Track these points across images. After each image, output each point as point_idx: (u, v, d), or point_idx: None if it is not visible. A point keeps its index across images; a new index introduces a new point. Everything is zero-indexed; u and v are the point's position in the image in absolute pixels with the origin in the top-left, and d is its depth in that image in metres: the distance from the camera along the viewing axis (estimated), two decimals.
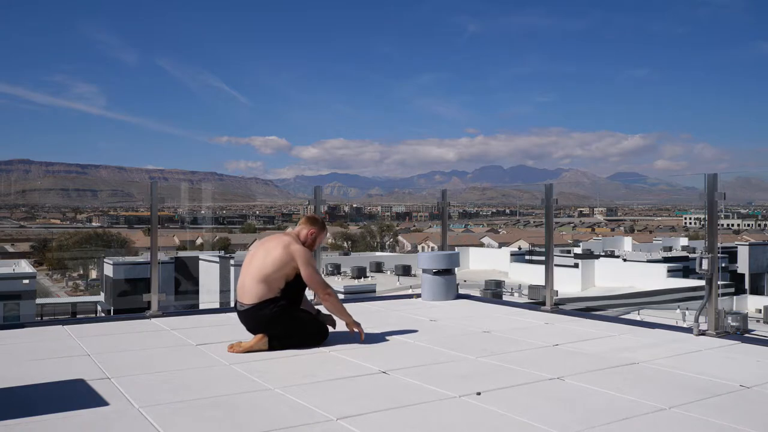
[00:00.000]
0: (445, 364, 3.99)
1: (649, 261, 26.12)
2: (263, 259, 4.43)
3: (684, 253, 29.59)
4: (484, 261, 30.56)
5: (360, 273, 23.48)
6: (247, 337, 4.40)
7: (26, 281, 24.52)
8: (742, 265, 27.67)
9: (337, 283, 20.51)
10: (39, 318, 24.48)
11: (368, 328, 4.85)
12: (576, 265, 24.50)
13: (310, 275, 4.46)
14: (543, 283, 6.35)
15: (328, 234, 5.05)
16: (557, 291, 6.29)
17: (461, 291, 7.41)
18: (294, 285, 4.48)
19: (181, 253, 34.74)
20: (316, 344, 4.50)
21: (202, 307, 24.55)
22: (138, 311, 5.78)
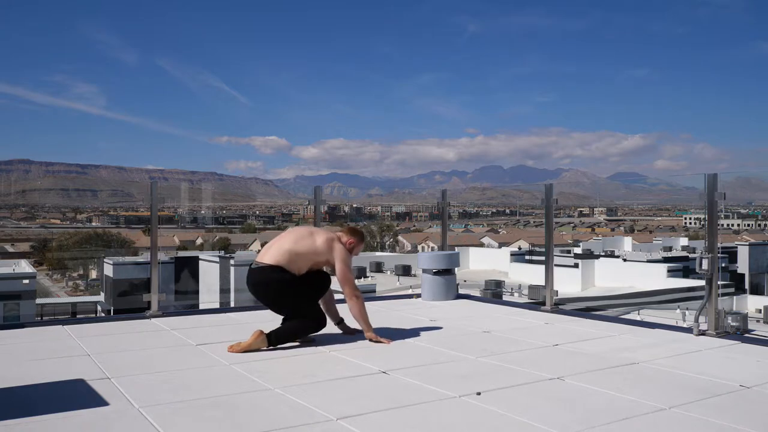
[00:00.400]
0: (445, 364, 3.99)
1: (649, 261, 26.11)
2: (303, 238, 4.48)
3: (684, 253, 29.57)
4: (484, 261, 30.55)
5: (360, 273, 23.49)
6: (248, 337, 4.40)
7: (26, 281, 24.52)
8: (742, 265, 27.65)
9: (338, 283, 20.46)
10: (39, 318, 24.48)
11: None
12: (576, 265, 24.50)
13: (344, 273, 4.51)
14: (543, 283, 6.35)
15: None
16: (557, 291, 6.29)
17: (461, 291, 7.41)
18: (314, 278, 4.51)
19: (181, 253, 34.76)
20: (314, 330, 4.48)
21: (202, 307, 24.56)
22: (138, 311, 5.78)
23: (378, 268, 25.96)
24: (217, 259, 28.61)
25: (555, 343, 4.59)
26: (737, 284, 24.66)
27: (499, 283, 19.65)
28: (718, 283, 4.92)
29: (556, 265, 6.85)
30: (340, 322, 4.89)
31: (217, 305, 24.72)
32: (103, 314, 27.45)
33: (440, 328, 5.28)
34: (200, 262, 30.17)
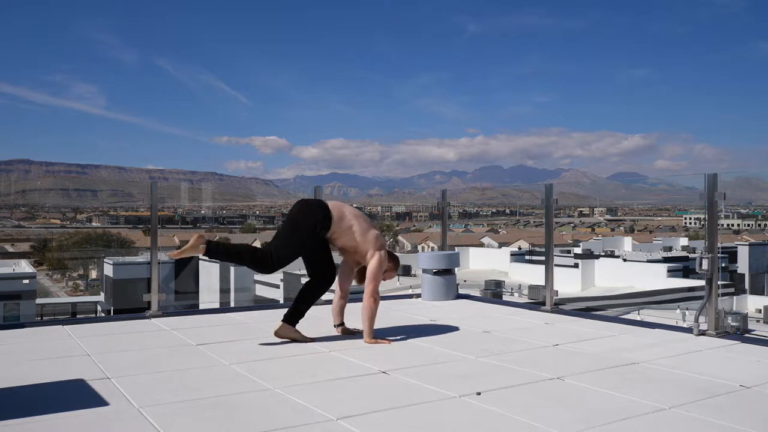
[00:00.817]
0: (445, 364, 3.99)
1: (649, 261, 26.09)
2: (361, 223, 4.54)
3: (684, 253, 29.55)
4: (484, 261, 30.52)
5: None
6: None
7: (26, 281, 24.50)
8: (742, 265, 27.64)
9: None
10: (39, 318, 24.45)
11: None
12: (576, 265, 24.48)
13: (376, 273, 4.51)
14: (543, 283, 6.35)
15: None
16: (557, 291, 6.29)
17: (461, 291, 7.41)
18: (325, 263, 4.62)
19: None
20: (252, 262, 4.37)
21: (202, 307, 24.56)
22: (138, 311, 5.78)
23: None
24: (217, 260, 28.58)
25: (555, 343, 4.59)
26: (737, 284, 24.64)
27: (499, 283, 19.62)
28: (718, 283, 4.92)
29: (556, 265, 6.85)
30: (341, 324, 4.89)
31: (217, 305, 24.73)
32: (103, 314, 27.45)
33: (440, 328, 5.28)
34: (200, 262, 30.17)
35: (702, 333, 4.86)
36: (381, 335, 4.75)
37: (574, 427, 2.80)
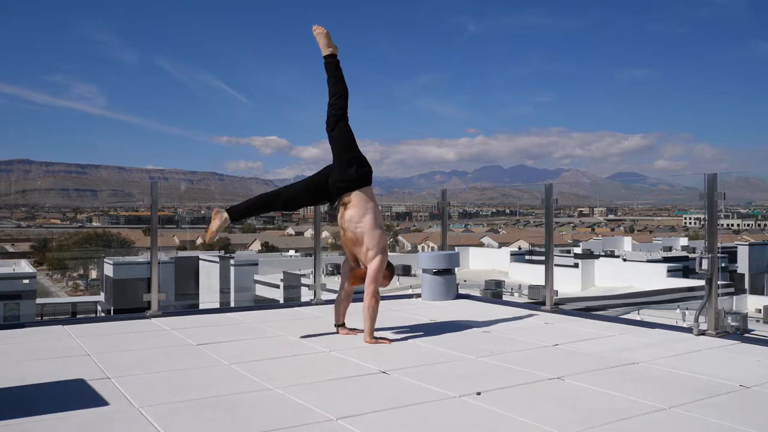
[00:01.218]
0: (445, 364, 3.99)
1: (649, 261, 26.09)
2: (377, 216, 4.60)
3: (684, 253, 29.54)
4: (484, 261, 30.51)
5: None
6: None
7: (26, 281, 24.52)
8: (742, 265, 27.63)
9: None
10: (39, 318, 24.46)
11: None
12: (576, 265, 24.47)
13: (376, 274, 4.54)
14: (543, 283, 6.35)
15: (328, 234, 5.13)
16: (557, 291, 6.29)
17: (461, 291, 7.41)
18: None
19: (182, 254, 34.75)
20: (274, 207, 4.78)
21: (202, 307, 24.56)
22: (138, 311, 5.78)
23: None
24: (217, 259, 28.60)
25: (555, 343, 4.59)
26: (737, 284, 24.64)
27: (499, 283, 19.62)
28: (718, 283, 4.92)
29: (556, 265, 6.85)
30: (342, 324, 4.90)
31: (217, 305, 24.73)
32: (103, 314, 27.45)
33: (440, 328, 5.28)
34: (200, 262, 30.18)
35: (702, 333, 4.86)
36: (381, 335, 4.75)
37: (574, 427, 2.80)
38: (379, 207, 4.66)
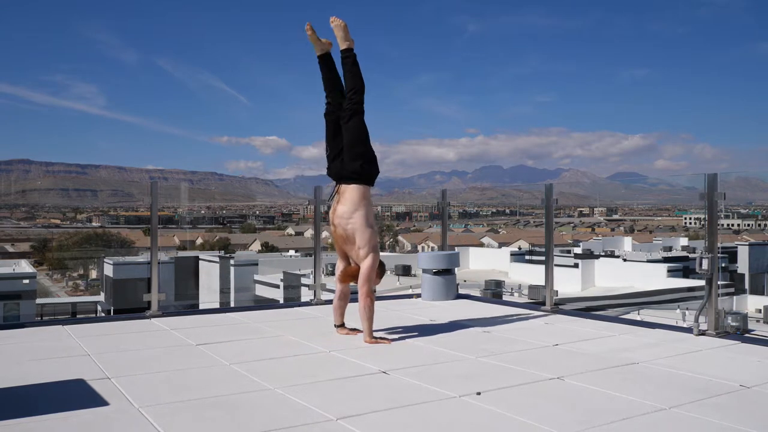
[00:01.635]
0: (445, 364, 3.99)
1: (649, 261, 26.08)
2: (369, 216, 4.61)
3: (684, 253, 29.54)
4: (484, 261, 30.51)
5: None
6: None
7: (26, 281, 24.51)
8: (742, 265, 27.63)
9: None
10: (39, 318, 24.45)
11: None
12: (576, 265, 24.46)
13: (370, 273, 4.54)
14: (543, 283, 6.35)
15: (328, 234, 5.13)
16: (557, 291, 6.29)
17: (461, 291, 7.41)
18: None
19: (181, 253, 34.76)
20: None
21: (202, 307, 24.56)
22: (138, 311, 5.77)
23: None
24: (217, 259, 28.59)
25: (555, 343, 4.59)
26: (737, 284, 24.64)
27: (499, 283, 19.61)
28: (718, 283, 4.92)
29: (556, 265, 6.85)
30: (341, 324, 4.90)
31: (217, 305, 24.72)
32: (103, 314, 27.45)
33: (440, 328, 5.28)
34: (200, 262, 30.16)
35: (702, 333, 4.86)
36: (381, 335, 4.75)
37: (574, 427, 2.80)
38: (378, 207, 4.66)
